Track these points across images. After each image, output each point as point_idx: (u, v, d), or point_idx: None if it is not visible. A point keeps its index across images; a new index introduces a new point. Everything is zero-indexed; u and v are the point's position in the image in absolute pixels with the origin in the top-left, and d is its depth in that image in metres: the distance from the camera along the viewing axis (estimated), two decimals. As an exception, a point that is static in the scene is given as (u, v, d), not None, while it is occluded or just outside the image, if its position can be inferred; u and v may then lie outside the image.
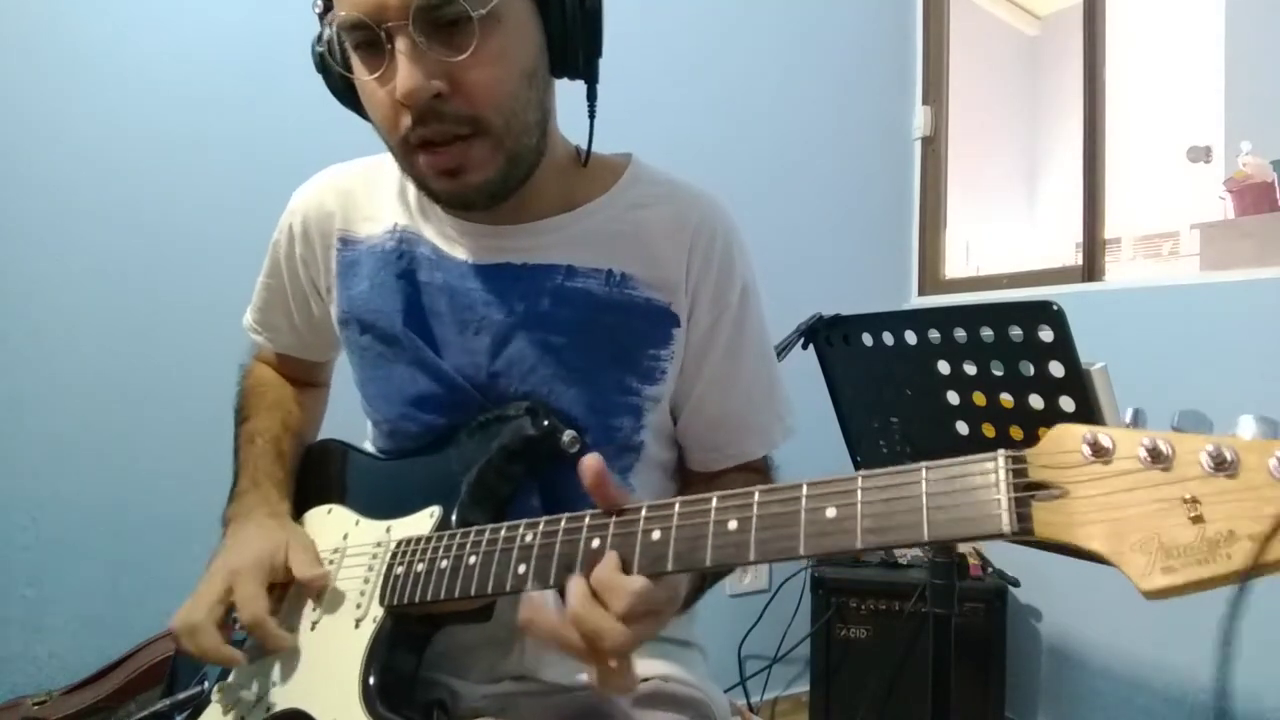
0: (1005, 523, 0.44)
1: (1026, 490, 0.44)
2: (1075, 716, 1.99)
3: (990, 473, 0.47)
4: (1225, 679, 0.37)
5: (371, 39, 0.69)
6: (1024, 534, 0.44)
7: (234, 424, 0.98)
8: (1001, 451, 0.46)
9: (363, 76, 0.72)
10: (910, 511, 0.48)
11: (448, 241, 0.85)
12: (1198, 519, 0.38)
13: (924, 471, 0.49)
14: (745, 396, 0.89)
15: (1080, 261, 2.18)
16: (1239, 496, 0.38)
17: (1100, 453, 0.42)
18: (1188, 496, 0.39)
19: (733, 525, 0.56)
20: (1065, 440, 0.44)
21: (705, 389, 0.88)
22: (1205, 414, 0.39)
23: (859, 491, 0.51)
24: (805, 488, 0.54)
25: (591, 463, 0.61)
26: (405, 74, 0.68)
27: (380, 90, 0.71)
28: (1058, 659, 2.04)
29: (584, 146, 0.88)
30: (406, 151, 0.75)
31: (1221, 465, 0.39)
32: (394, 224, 0.87)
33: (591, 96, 0.84)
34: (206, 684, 0.84)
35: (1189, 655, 1.72)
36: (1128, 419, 0.42)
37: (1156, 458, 0.40)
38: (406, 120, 0.71)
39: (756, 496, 0.55)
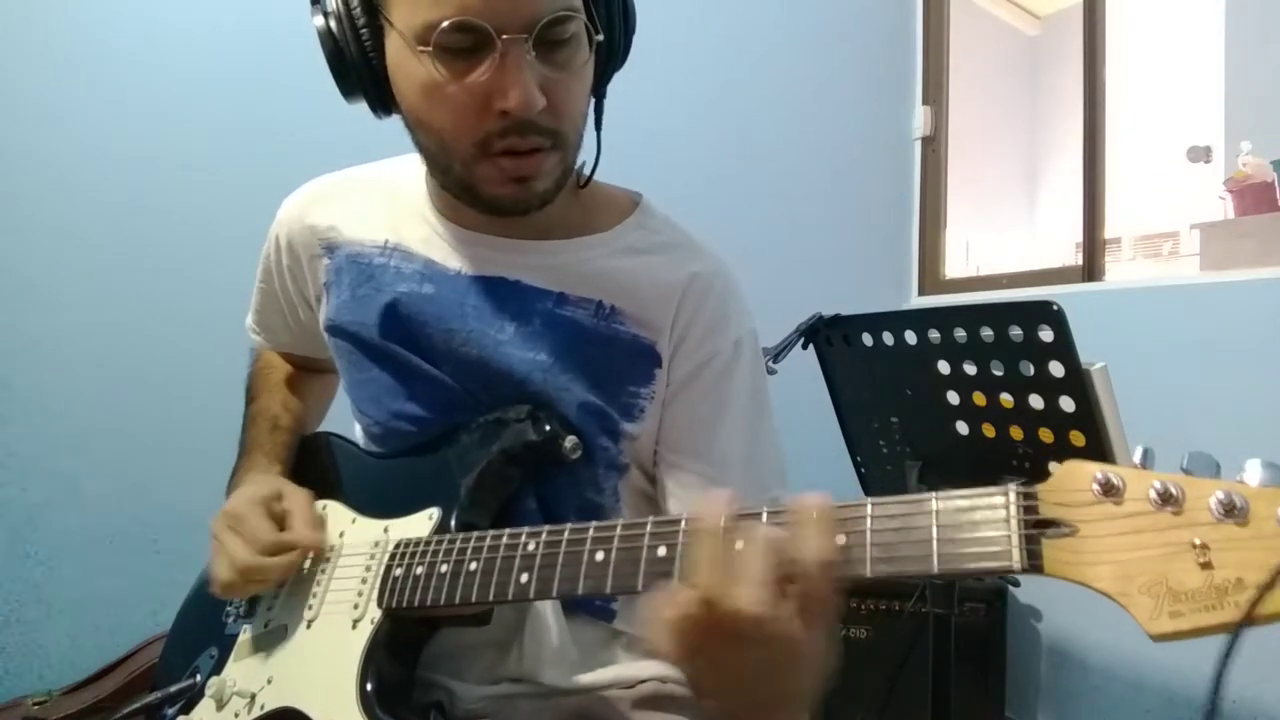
0: (1015, 559, 0.44)
1: (1036, 527, 0.44)
2: (1075, 716, 1.99)
3: (1000, 507, 0.46)
4: (1224, 679, 0.37)
5: (476, 44, 0.68)
6: (1033, 570, 0.43)
7: (244, 405, 1.00)
8: (1012, 486, 0.46)
9: (443, 76, 0.69)
10: (920, 543, 0.48)
11: (440, 251, 0.85)
12: (1206, 565, 0.38)
13: (934, 502, 0.48)
14: (722, 459, 0.83)
15: (1080, 261, 2.18)
16: (1248, 545, 0.37)
17: (1111, 492, 0.41)
18: (1197, 542, 0.38)
19: (739, 546, 0.55)
20: (1076, 477, 0.43)
21: (683, 447, 0.84)
22: (1214, 455, 0.39)
23: (868, 519, 0.50)
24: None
25: None
26: (522, 86, 0.68)
27: (462, 92, 0.70)
28: (1058, 659, 2.04)
29: (582, 171, 0.86)
30: (479, 155, 0.73)
31: (1231, 512, 0.38)
32: (382, 236, 0.87)
33: (599, 110, 0.83)
34: (199, 677, 0.83)
35: (1189, 655, 1.72)
36: (1137, 458, 0.42)
37: (1167, 500, 0.40)
38: (492, 125, 0.71)
39: (764, 519, 0.55)
